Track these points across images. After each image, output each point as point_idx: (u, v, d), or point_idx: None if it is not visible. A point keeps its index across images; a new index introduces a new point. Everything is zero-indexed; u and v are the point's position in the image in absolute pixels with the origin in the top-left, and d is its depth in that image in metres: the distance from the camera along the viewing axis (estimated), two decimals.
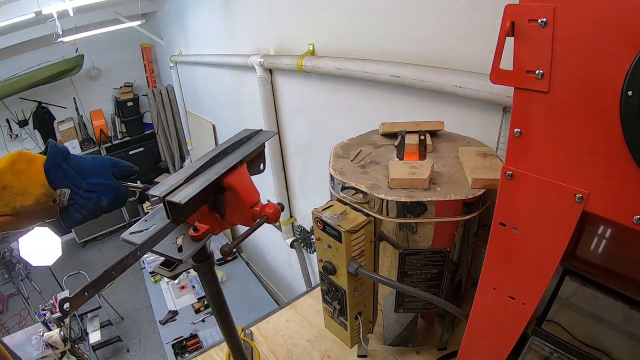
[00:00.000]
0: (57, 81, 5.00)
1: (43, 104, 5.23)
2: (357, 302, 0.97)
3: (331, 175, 0.96)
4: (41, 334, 2.83)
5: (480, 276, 0.66)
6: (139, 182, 0.81)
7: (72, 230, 5.91)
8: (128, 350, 4.13)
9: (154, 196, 0.66)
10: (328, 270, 0.93)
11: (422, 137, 0.96)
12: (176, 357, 3.39)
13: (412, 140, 0.98)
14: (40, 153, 0.69)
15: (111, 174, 0.73)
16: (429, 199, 0.82)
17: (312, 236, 1.81)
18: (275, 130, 2.79)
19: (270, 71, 2.56)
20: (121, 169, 0.75)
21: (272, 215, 0.74)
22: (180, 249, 0.70)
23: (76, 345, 3.00)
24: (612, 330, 0.75)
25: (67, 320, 2.87)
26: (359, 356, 1.17)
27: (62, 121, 5.42)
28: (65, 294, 3.46)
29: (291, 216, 3.16)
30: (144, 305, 4.64)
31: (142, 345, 4.23)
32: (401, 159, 0.97)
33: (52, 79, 4.85)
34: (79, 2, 3.16)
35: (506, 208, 0.57)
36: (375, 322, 1.06)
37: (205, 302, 3.89)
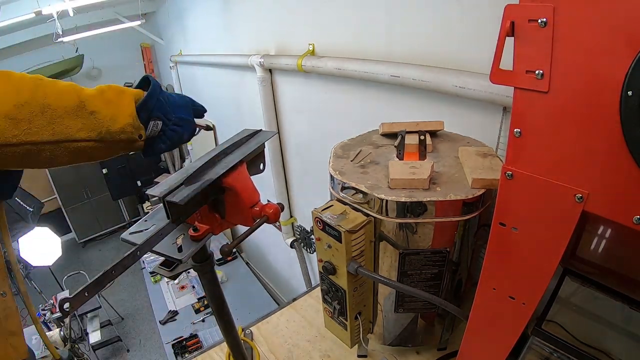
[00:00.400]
0: None
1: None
2: (357, 302, 0.97)
3: (331, 175, 0.96)
4: None
5: (480, 276, 0.66)
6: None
7: (72, 230, 5.92)
8: (128, 350, 4.13)
9: (154, 196, 0.66)
10: (328, 270, 0.93)
11: (422, 137, 0.96)
12: (176, 357, 3.39)
13: (412, 140, 0.98)
14: (131, 87, 0.71)
15: (192, 110, 0.79)
16: (429, 199, 0.82)
17: (312, 236, 1.81)
18: (275, 130, 2.79)
19: (270, 71, 2.56)
20: (197, 108, 0.81)
21: (272, 215, 0.74)
22: (180, 249, 0.70)
23: (76, 345, 3.00)
24: (612, 330, 0.75)
25: (67, 320, 2.87)
26: (359, 356, 1.17)
27: None
28: (65, 294, 3.46)
29: (291, 216, 3.16)
30: (144, 305, 4.64)
31: (142, 345, 4.23)
32: (401, 159, 0.97)
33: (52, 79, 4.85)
34: (79, 2, 3.16)
35: (506, 208, 0.57)
36: (375, 322, 1.06)
37: (205, 302, 3.89)
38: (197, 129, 0.84)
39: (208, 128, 0.91)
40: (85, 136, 0.62)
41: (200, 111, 0.83)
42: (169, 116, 0.71)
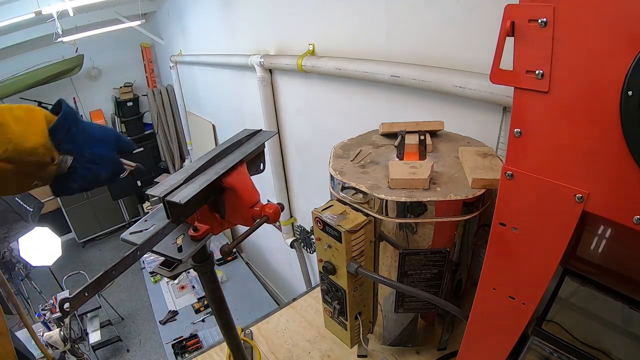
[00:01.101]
0: (57, 81, 4.99)
1: (43, 104, 5.20)
2: (357, 302, 0.97)
3: (331, 175, 0.96)
4: (41, 334, 2.83)
5: (480, 276, 0.66)
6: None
7: (72, 230, 5.92)
8: (128, 350, 4.13)
9: (154, 196, 0.66)
10: (328, 270, 0.92)
11: (422, 137, 0.96)
12: (176, 357, 3.39)
13: (412, 140, 0.98)
14: (49, 111, 0.63)
15: (115, 148, 0.69)
16: (429, 199, 0.82)
17: (312, 236, 1.80)
18: (275, 130, 2.79)
19: (270, 71, 2.56)
20: (124, 144, 0.71)
21: (272, 216, 0.74)
22: (180, 249, 0.70)
23: (76, 345, 3.00)
24: (612, 330, 0.75)
25: (67, 320, 2.87)
26: (359, 356, 1.17)
27: None
28: (65, 294, 3.46)
29: (291, 216, 3.16)
30: (144, 305, 4.64)
31: (142, 345, 4.23)
32: (401, 159, 0.97)
33: (52, 79, 4.84)
34: (79, 2, 3.16)
35: (506, 208, 0.57)
36: (375, 322, 1.06)
37: (205, 302, 3.89)
38: (125, 169, 0.73)
39: (133, 173, 0.77)
40: None
41: (127, 147, 0.72)
42: (83, 151, 0.61)
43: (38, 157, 0.56)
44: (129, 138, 0.71)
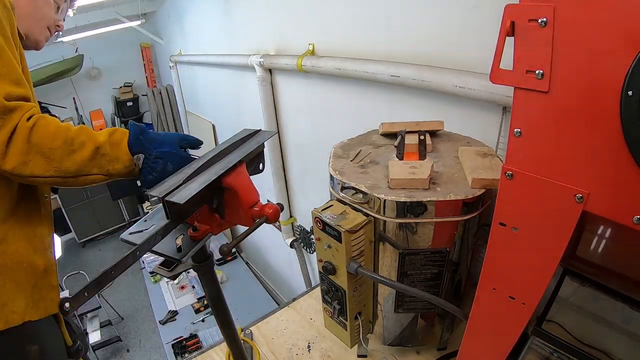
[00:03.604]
0: (57, 81, 4.99)
1: (43, 104, 5.21)
2: (357, 302, 0.97)
3: (331, 175, 0.96)
4: None
5: (480, 276, 0.66)
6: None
7: (72, 230, 5.92)
8: (128, 350, 4.13)
9: (154, 196, 0.66)
10: (328, 270, 0.92)
11: (422, 137, 0.96)
12: (176, 357, 3.39)
13: (412, 140, 0.98)
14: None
15: (179, 146, 0.86)
16: (428, 199, 0.82)
17: (312, 236, 1.80)
18: (275, 130, 2.79)
19: (270, 71, 2.56)
20: (188, 142, 0.89)
21: (271, 216, 0.74)
22: (179, 249, 0.70)
23: None
24: (612, 330, 0.75)
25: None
26: (359, 356, 1.17)
27: (62, 121, 5.42)
28: (65, 294, 3.45)
29: (291, 216, 3.16)
30: (144, 305, 4.64)
31: (142, 345, 4.23)
32: (401, 159, 0.97)
33: (52, 78, 4.85)
34: (79, 2, 3.16)
35: (506, 208, 0.57)
36: (375, 322, 1.06)
37: (205, 302, 3.89)
38: (195, 158, 0.91)
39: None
40: (97, 172, 0.78)
41: (193, 144, 0.91)
42: (149, 151, 0.81)
43: (128, 169, 0.80)
44: (195, 137, 0.93)
